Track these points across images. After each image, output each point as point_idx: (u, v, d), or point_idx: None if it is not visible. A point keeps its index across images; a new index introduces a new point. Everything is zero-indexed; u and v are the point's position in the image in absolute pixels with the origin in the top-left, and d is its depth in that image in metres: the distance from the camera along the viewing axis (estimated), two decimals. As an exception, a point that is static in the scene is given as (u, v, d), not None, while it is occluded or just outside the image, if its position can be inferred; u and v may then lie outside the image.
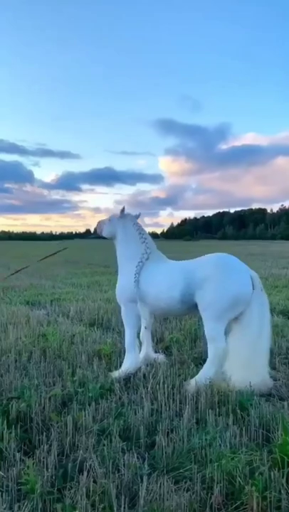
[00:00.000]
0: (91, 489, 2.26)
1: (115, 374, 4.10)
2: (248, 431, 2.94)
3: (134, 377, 3.98)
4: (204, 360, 4.66)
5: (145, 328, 4.65)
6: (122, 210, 4.62)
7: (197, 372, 4.17)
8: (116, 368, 4.31)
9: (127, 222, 4.64)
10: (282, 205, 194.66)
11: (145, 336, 4.66)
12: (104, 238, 4.83)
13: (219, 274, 3.88)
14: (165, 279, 4.15)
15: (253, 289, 3.89)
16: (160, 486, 2.27)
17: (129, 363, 4.28)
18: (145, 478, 2.32)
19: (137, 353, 4.42)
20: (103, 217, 4.91)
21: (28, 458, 2.60)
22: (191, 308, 4.10)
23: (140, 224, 4.70)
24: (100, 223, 4.84)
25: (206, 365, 3.93)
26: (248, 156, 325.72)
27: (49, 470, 2.46)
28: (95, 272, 16.11)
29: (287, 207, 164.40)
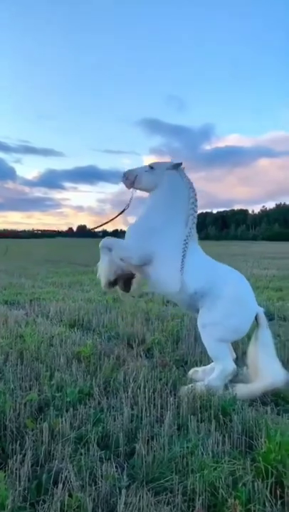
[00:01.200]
0: (66, 503, 2.13)
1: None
2: (231, 438, 2.84)
3: (114, 381, 3.85)
4: (186, 363, 4.59)
5: None
6: (179, 164, 3.64)
7: (179, 375, 4.08)
8: (95, 372, 4.15)
9: (179, 181, 3.64)
10: (263, 206, 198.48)
11: None
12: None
13: (229, 301, 3.64)
14: (191, 269, 3.67)
15: (258, 326, 3.75)
16: (139, 499, 2.16)
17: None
18: (124, 490, 2.20)
19: None
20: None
21: (0, 470, 2.45)
22: (191, 306, 3.88)
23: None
24: (130, 172, 3.80)
25: (211, 378, 3.68)
26: (231, 157, 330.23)
27: (22, 483, 2.31)
28: (76, 271, 15.87)
29: (268, 208, 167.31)
